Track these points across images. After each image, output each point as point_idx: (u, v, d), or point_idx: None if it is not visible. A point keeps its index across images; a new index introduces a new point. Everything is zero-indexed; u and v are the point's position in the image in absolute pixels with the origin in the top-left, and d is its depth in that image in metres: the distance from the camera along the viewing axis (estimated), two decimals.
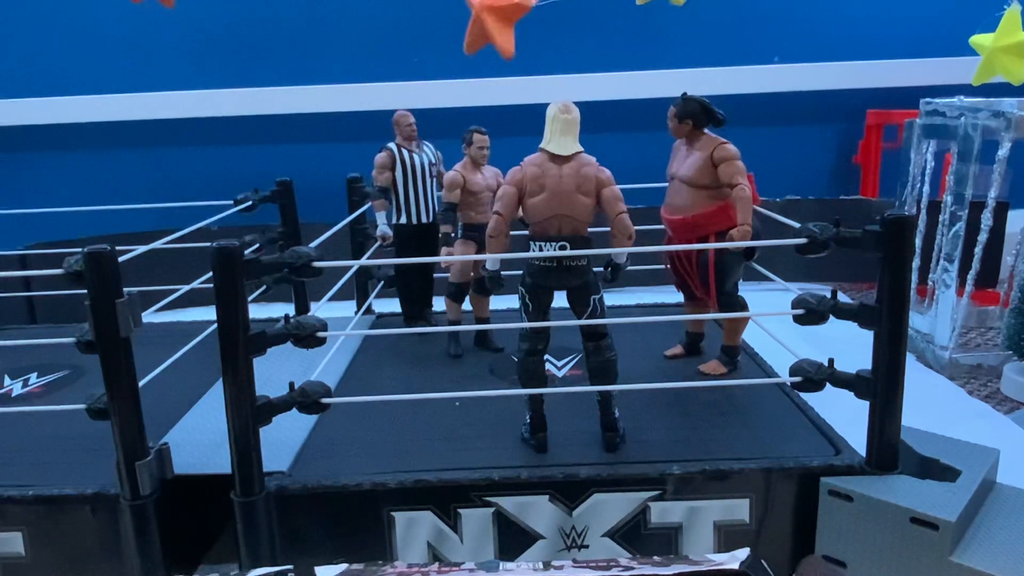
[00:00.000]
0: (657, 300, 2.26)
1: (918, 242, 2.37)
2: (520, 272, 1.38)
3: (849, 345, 1.37)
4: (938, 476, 1.24)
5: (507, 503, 1.27)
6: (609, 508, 1.28)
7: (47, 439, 1.47)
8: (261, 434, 1.24)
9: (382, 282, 2.18)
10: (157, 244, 1.52)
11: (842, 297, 1.27)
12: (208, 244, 1.19)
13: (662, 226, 1.70)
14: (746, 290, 1.69)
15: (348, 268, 2.11)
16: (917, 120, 2.41)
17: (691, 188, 1.59)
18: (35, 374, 1.88)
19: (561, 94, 1.40)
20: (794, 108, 3.31)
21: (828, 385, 1.27)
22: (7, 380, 1.85)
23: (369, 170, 1.95)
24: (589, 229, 1.35)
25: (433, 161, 1.97)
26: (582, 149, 1.33)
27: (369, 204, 2.09)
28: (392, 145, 1.93)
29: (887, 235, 1.18)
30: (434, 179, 1.97)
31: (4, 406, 1.66)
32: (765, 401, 1.53)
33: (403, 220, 1.95)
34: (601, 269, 1.38)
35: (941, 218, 2.24)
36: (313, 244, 1.29)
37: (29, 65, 3.21)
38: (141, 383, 1.24)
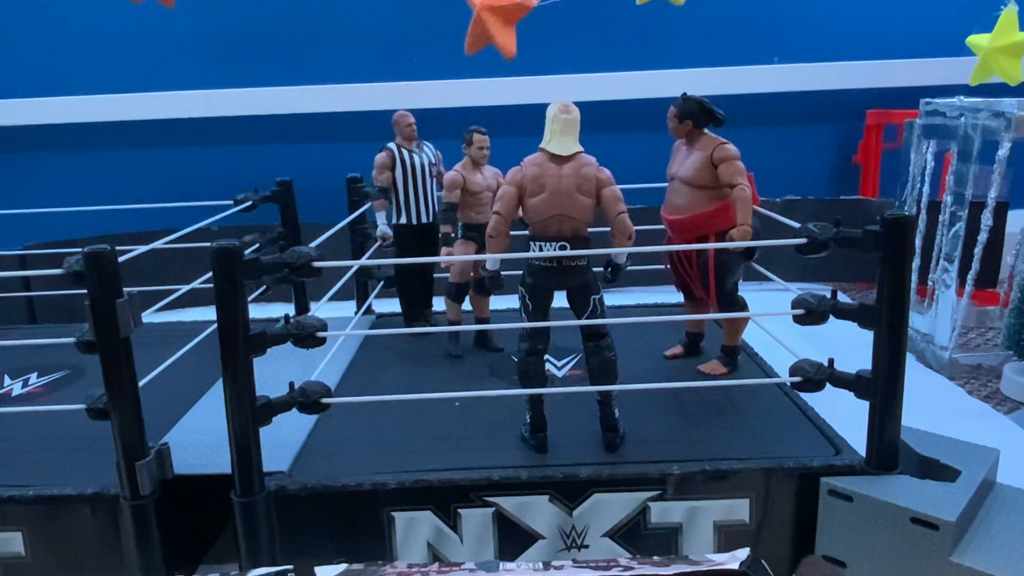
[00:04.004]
0: (657, 300, 2.26)
1: (918, 242, 2.37)
2: (520, 272, 1.38)
3: (849, 345, 1.37)
4: (938, 476, 1.24)
5: (507, 503, 1.27)
6: (609, 508, 1.28)
7: (47, 439, 1.47)
8: (261, 434, 1.24)
9: (382, 282, 2.18)
10: (157, 244, 1.52)
11: (842, 297, 1.27)
12: (208, 244, 1.19)
13: (662, 226, 1.70)
14: (746, 290, 1.69)
15: (348, 268, 2.11)
16: (917, 120, 2.41)
17: (691, 188, 1.59)
18: (35, 374, 1.88)
19: (561, 94, 1.40)
20: (794, 108, 3.32)
21: (828, 385, 1.27)
22: (7, 380, 1.85)
23: (369, 170, 1.95)
24: (589, 229, 1.35)
25: (433, 161, 1.97)
26: (582, 149, 1.33)
27: (369, 204, 2.09)
28: (392, 145, 1.93)
29: (887, 235, 1.18)
30: (434, 179, 1.97)
31: (4, 406, 1.66)
32: (765, 401, 1.53)
33: (403, 220, 1.95)
34: (601, 269, 1.38)
35: (941, 218, 2.24)
36: (313, 244, 1.29)
37: (29, 65, 3.20)
38: (141, 383, 1.24)
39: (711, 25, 3.23)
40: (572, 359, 1.82)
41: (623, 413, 1.39)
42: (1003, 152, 2.06)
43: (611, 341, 1.38)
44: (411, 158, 1.92)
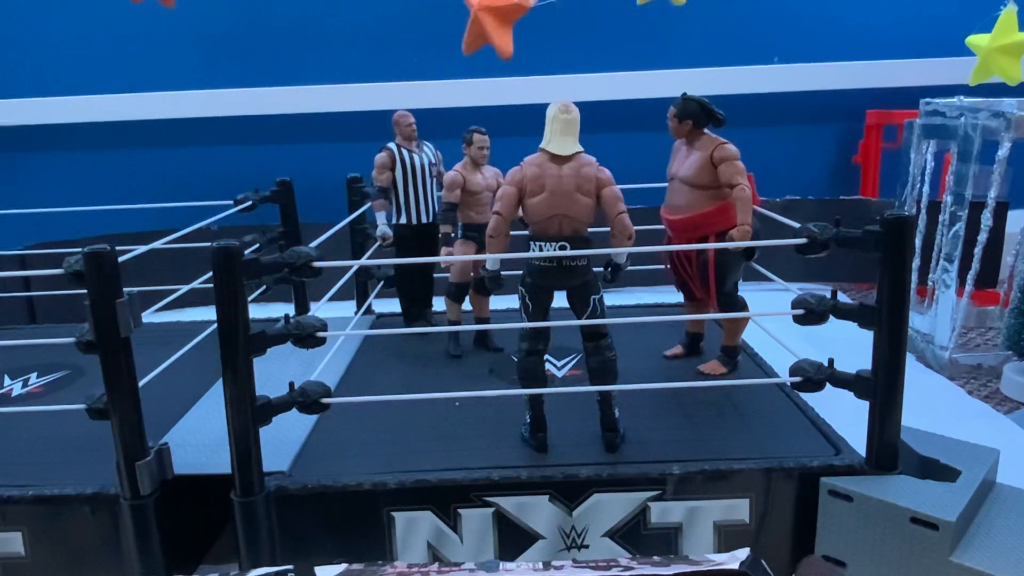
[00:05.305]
0: (657, 300, 2.26)
1: (918, 242, 2.37)
2: (520, 272, 1.38)
3: (849, 345, 1.37)
4: (938, 476, 1.24)
5: (507, 503, 1.27)
6: (609, 508, 1.28)
7: (47, 439, 1.47)
8: (261, 434, 1.24)
9: (382, 282, 2.18)
10: (157, 244, 1.52)
11: (842, 297, 1.27)
12: (208, 244, 1.19)
13: (662, 226, 1.70)
14: (746, 290, 1.69)
15: (348, 268, 2.11)
16: (917, 120, 2.41)
17: (691, 188, 1.59)
18: (35, 374, 1.88)
19: (561, 94, 1.40)
20: (794, 108, 3.32)
21: (828, 385, 1.27)
22: (7, 380, 1.85)
23: (369, 170, 1.95)
24: (589, 229, 1.35)
25: (433, 161, 1.97)
26: (582, 149, 1.33)
27: (369, 204, 2.09)
28: (392, 145, 1.93)
29: (887, 235, 1.18)
30: (434, 179, 1.97)
31: (4, 406, 1.66)
32: (765, 401, 1.53)
33: (403, 220, 1.95)
34: (601, 269, 1.38)
35: (941, 218, 2.24)
36: (313, 244, 1.29)
37: (29, 65, 3.20)
38: (141, 383, 1.24)
39: (711, 25, 3.23)
40: (572, 359, 1.82)
41: (623, 413, 1.39)
42: (1003, 152, 2.06)
43: (611, 341, 1.38)
44: (411, 158, 1.92)
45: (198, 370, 1.61)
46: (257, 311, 1.33)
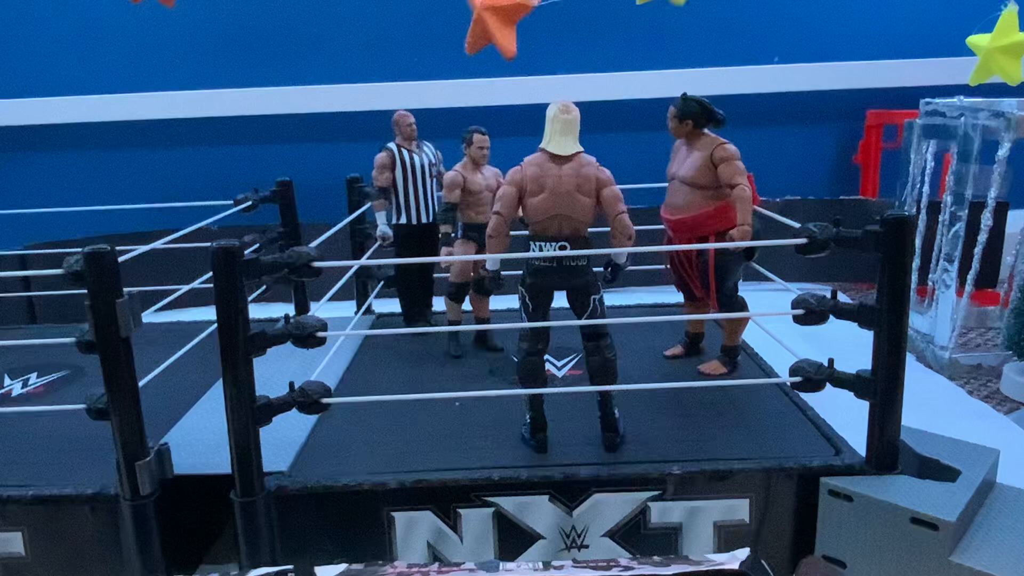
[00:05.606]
0: (657, 300, 2.26)
1: (918, 242, 2.37)
2: (520, 272, 1.38)
3: (849, 345, 1.37)
4: (938, 476, 1.24)
5: (507, 503, 1.27)
6: (609, 508, 1.28)
7: (47, 439, 1.47)
8: (261, 434, 1.24)
9: (382, 282, 2.18)
10: (157, 244, 1.52)
11: (842, 297, 1.27)
12: (208, 244, 1.19)
13: (662, 226, 1.70)
14: (746, 290, 1.69)
15: (348, 268, 2.11)
16: (917, 120, 2.41)
17: (691, 188, 1.59)
18: (35, 374, 1.88)
19: (561, 94, 1.40)
20: (794, 108, 3.32)
21: (828, 385, 1.27)
22: (7, 380, 1.85)
23: (369, 170, 1.95)
24: (589, 229, 1.35)
25: (433, 161, 1.97)
26: (582, 149, 1.33)
27: (369, 204, 2.09)
28: (392, 145, 1.93)
29: (887, 235, 1.18)
30: (434, 179, 1.97)
31: (4, 406, 1.66)
32: (765, 401, 1.53)
33: (403, 220, 1.95)
34: (601, 269, 1.38)
35: (941, 218, 2.24)
36: (313, 244, 1.29)
37: (29, 65, 3.20)
38: (141, 383, 1.24)
39: (711, 25, 3.23)
40: (572, 359, 1.82)
41: (623, 413, 1.40)
42: (1003, 152, 2.06)
43: (611, 341, 1.38)
44: (411, 158, 1.92)
45: (198, 370, 1.62)
46: (257, 311, 1.33)
